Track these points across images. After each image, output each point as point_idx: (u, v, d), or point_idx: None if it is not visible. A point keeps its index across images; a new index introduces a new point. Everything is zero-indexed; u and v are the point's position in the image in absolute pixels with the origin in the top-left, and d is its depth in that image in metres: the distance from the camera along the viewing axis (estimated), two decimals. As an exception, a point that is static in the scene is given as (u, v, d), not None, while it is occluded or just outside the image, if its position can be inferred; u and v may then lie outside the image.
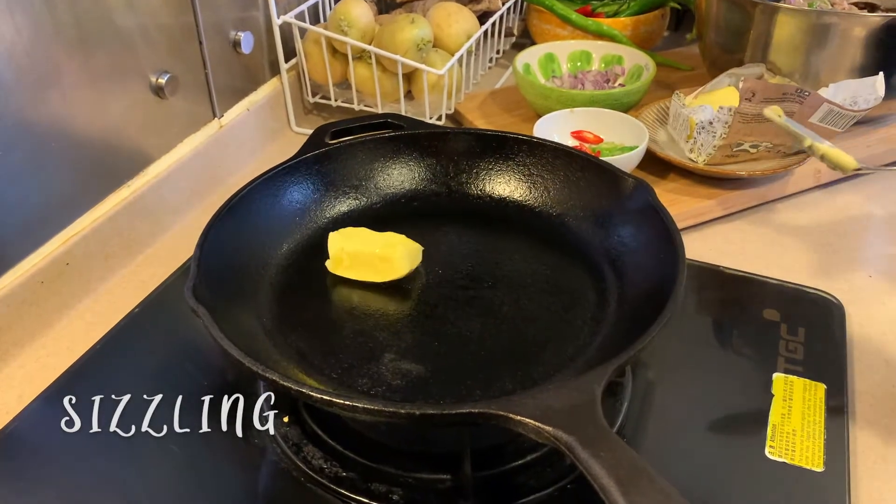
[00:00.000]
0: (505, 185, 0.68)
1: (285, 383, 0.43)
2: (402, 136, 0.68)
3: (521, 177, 0.68)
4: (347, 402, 0.43)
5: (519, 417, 0.40)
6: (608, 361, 0.44)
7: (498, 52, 1.10)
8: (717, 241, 0.77)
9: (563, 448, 0.39)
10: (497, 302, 0.59)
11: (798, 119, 0.74)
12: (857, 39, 0.79)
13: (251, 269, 0.58)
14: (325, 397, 0.43)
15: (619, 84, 0.93)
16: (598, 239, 0.63)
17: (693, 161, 0.79)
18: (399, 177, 0.68)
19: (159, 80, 0.74)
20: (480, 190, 0.69)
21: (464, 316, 0.58)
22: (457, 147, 0.68)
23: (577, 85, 0.93)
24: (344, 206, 0.67)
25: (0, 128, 0.60)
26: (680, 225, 0.76)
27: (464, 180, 0.69)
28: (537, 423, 0.40)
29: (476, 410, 0.42)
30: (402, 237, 0.61)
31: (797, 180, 0.82)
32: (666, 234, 0.55)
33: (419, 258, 0.61)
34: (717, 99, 0.80)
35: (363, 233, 0.61)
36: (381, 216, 0.67)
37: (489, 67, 1.08)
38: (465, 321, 0.57)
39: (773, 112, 0.71)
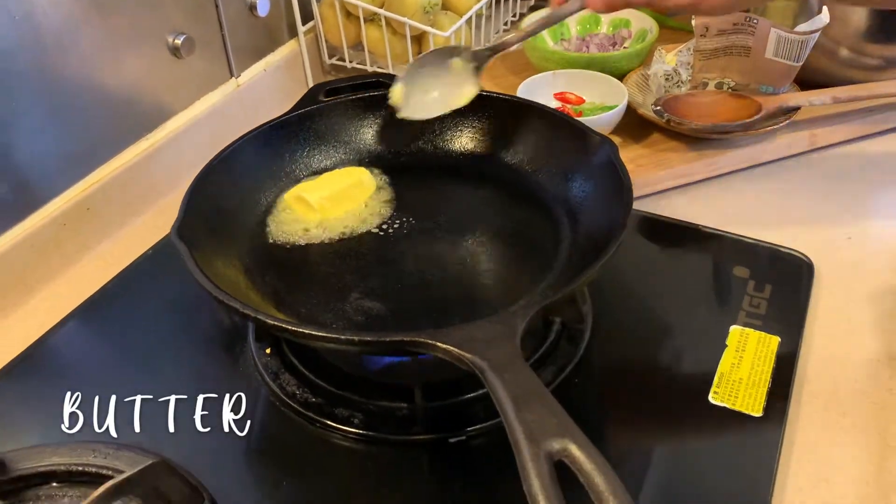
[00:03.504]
0: (486, 143, 0.72)
1: (244, 311, 0.49)
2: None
3: (502, 135, 0.71)
4: (297, 329, 0.48)
5: (443, 345, 0.45)
6: (533, 302, 0.48)
7: (515, 14, 1.12)
8: (701, 202, 0.79)
9: (477, 372, 0.43)
10: (461, 251, 0.64)
11: (754, 56, 0.76)
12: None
13: (238, 215, 0.64)
14: (277, 324, 0.48)
15: (624, 48, 0.95)
16: (563, 193, 0.66)
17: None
18: (386, 133, 0.73)
19: (176, 41, 0.80)
20: (463, 147, 0.73)
21: (428, 262, 0.62)
22: (442, 105, 0.72)
23: (584, 48, 0.96)
24: (332, 159, 0.71)
25: (26, 82, 0.67)
26: (665, 185, 0.79)
27: (448, 137, 0.73)
28: (458, 350, 0.44)
29: (407, 339, 0.46)
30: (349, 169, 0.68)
31: (791, 143, 0.83)
32: (620, 189, 0.58)
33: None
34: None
35: (322, 179, 0.68)
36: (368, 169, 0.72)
37: (505, 30, 1.11)
38: (428, 266, 0.62)
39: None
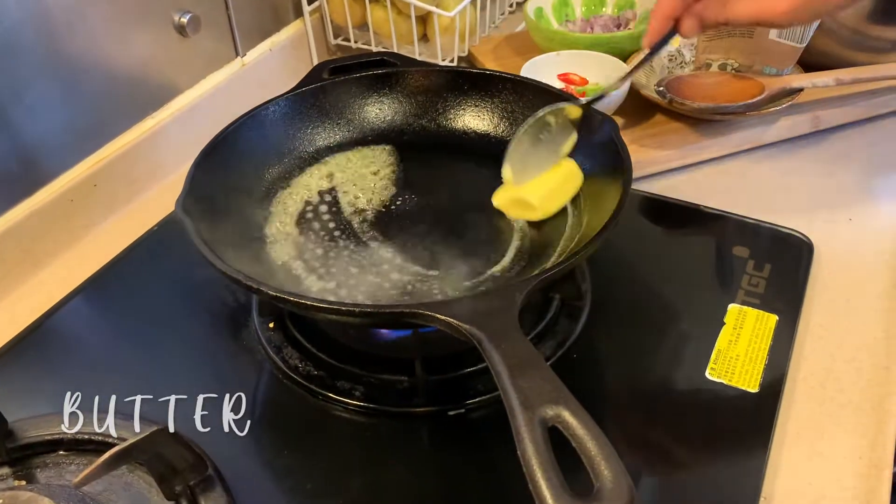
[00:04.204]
0: (489, 122, 0.73)
1: (247, 283, 0.50)
2: (394, 73, 0.72)
3: (504, 114, 0.72)
4: (298, 300, 0.49)
5: (442, 317, 0.46)
6: (532, 276, 0.48)
7: (521, -4, 1.12)
8: (703, 183, 0.79)
9: (475, 343, 0.44)
10: (460, 225, 0.65)
11: (758, 37, 0.78)
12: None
13: (242, 190, 0.65)
14: (279, 295, 0.49)
15: (629, 29, 0.95)
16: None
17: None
18: (390, 111, 0.73)
19: (182, 20, 0.81)
20: (466, 125, 0.73)
21: (430, 238, 0.63)
22: (445, 84, 0.73)
23: (588, 29, 0.96)
24: (336, 137, 0.72)
25: (33, 59, 0.68)
26: (667, 165, 0.80)
27: (451, 116, 0.73)
28: (457, 322, 0.45)
29: (407, 310, 0.47)
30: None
31: (793, 125, 0.83)
32: (620, 164, 0.58)
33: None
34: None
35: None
36: (370, 147, 0.72)
37: (510, 12, 1.11)
38: (427, 242, 0.63)
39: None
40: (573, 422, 0.38)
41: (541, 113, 0.64)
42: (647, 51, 0.61)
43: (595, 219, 0.59)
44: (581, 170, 0.65)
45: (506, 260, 0.61)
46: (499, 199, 0.66)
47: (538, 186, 0.64)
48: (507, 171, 0.65)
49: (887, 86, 0.84)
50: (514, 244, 0.63)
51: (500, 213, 0.66)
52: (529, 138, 0.64)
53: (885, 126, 0.85)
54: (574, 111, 0.64)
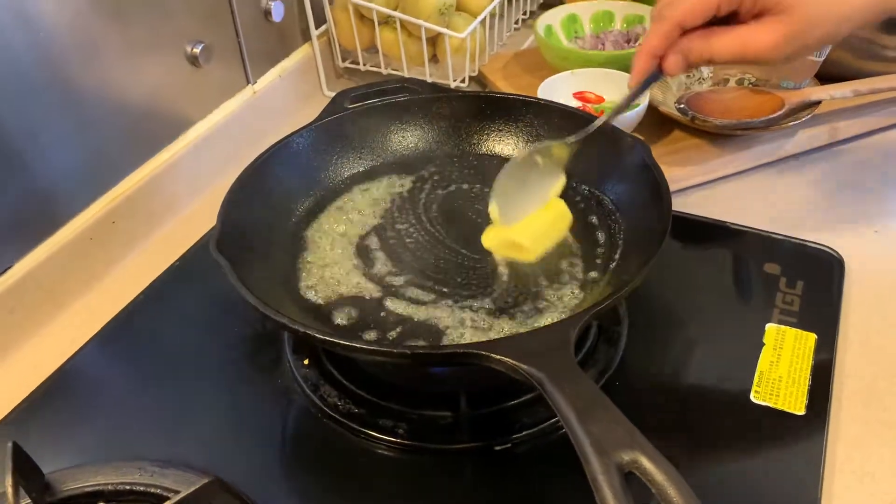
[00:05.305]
0: (513, 146, 0.72)
1: (293, 327, 0.49)
2: (416, 101, 0.71)
3: (528, 138, 0.71)
4: (350, 344, 0.48)
5: (498, 356, 0.45)
6: (584, 311, 0.48)
7: (525, 13, 1.12)
8: (726, 198, 0.79)
9: (535, 384, 0.43)
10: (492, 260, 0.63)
11: None
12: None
13: (273, 225, 0.63)
14: (329, 339, 0.48)
15: (640, 44, 0.95)
16: (597, 196, 0.66)
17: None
18: (413, 138, 0.72)
19: (194, 50, 0.80)
20: (490, 150, 0.73)
21: (461, 271, 0.62)
22: (467, 110, 0.72)
23: (598, 45, 0.95)
24: (361, 166, 0.71)
25: (49, 97, 0.66)
26: (689, 182, 0.79)
27: (475, 141, 0.73)
28: (514, 362, 0.44)
29: (461, 350, 0.46)
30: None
31: (811, 137, 0.83)
32: (657, 192, 0.58)
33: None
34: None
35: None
36: (395, 175, 0.72)
37: (516, 29, 1.10)
38: (463, 278, 0.62)
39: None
40: (651, 467, 0.37)
41: (527, 152, 0.62)
42: (631, 90, 0.59)
43: (633, 247, 0.59)
44: (569, 211, 0.65)
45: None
46: (489, 240, 0.63)
47: (529, 226, 0.62)
48: (494, 210, 0.62)
49: (902, 95, 0.84)
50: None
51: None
52: (517, 177, 0.62)
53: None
54: (562, 150, 0.62)
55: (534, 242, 0.62)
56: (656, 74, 0.57)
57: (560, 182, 0.64)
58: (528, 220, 0.63)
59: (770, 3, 0.52)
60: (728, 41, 0.53)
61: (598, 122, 0.61)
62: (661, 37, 0.55)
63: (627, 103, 0.60)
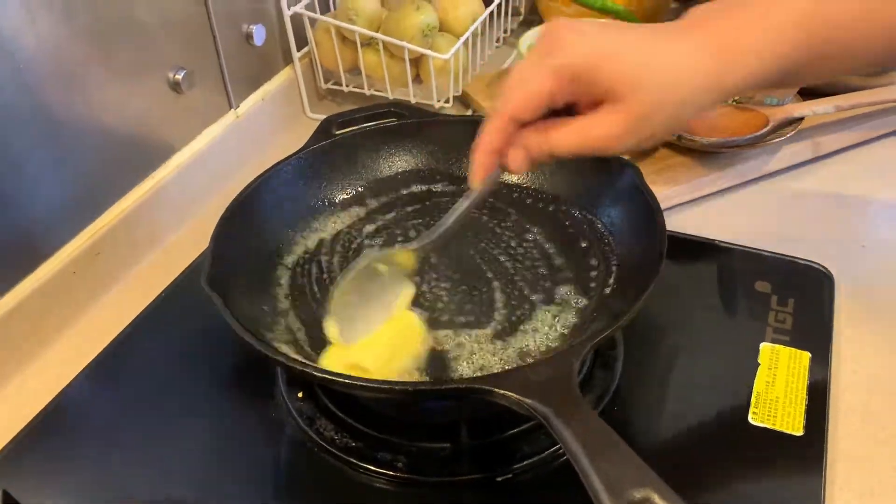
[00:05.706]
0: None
1: (291, 365, 0.48)
2: (405, 125, 0.71)
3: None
4: (351, 382, 0.47)
5: (502, 391, 0.44)
6: (584, 339, 0.47)
7: (506, 31, 1.12)
8: (713, 215, 0.79)
9: (540, 418, 0.43)
10: (492, 285, 0.63)
11: None
12: None
13: (264, 255, 0.63)
14: (329, 377, 0.47)
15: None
16: (588, 221, 0.66)
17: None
18: (402, 163, 0.72)
19: (176, 76, 0.79)
20: (480, 174, 0.72)
21: (456, 300, 0.62)
22: (457, 134, 0.72)
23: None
24: (350, 191, 0.71)
25: (30, 128, 0.65)
26: (676, 201, 0.80)
27: (465, 165, 0.72)
28: (518, 396, 0.44)
29: (463, 386, 0.46)
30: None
31: (795, 153, 0.84)
32: (650, 217, 0.58)
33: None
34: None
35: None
36: (385, 200, 0.71)
37: (497, 47, 1.10)
38: (456, 304, 0.62)
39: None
40: (663, 505, 0.37)
41: (366, 261, 0.55)
42: (475, 191, 0.53)
43: (627, 271, 0.59)
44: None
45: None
46: (329, 362, 0.54)
47: (373, 346, 0.56)
48: (331, 328, 0.55)
49: (882, 109, 0.85)
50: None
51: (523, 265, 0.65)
52: (356, 289, 0.55)
53: (882, 147, 0.87)
54: (406, 256, 0.56)
55: (378, 363, 0.54)
56: (498, 172, 0.52)
57: (409, 291, 0.58)
58: (373, 337, 0.56)
59: (605, 93, 0.47)
60: (566, 133, 0.48)
61: (443, 226, 0.55)
62: (497, 132, 0.50)
63: (474, 205, 0.54)
